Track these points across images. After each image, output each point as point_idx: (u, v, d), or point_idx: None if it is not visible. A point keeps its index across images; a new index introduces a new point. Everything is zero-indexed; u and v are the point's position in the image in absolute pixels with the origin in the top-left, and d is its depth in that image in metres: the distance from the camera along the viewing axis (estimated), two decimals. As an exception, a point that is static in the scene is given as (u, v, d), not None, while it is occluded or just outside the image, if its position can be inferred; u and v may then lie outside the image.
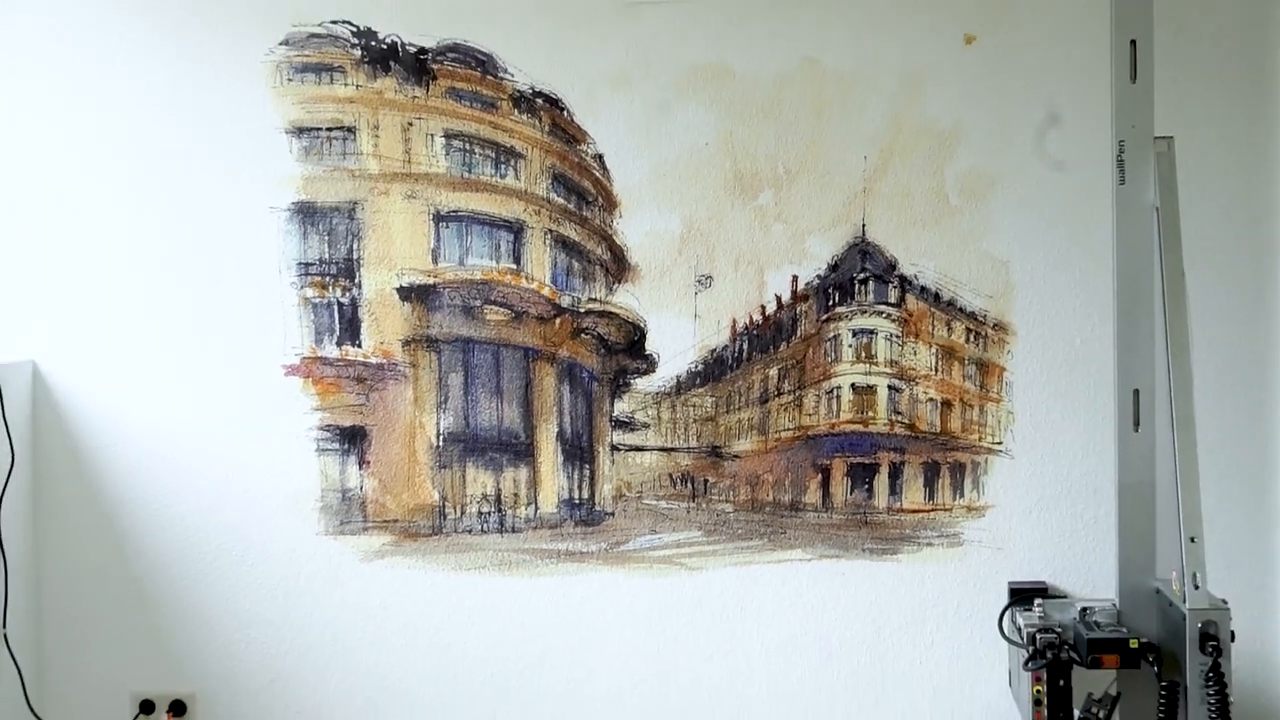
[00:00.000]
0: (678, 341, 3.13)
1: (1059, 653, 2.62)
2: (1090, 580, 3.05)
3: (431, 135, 3.13)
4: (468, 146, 3.14)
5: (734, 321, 3.14)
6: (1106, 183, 2.87)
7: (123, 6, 3.14)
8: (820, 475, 3.12)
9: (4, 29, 3.16)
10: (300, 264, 3.15)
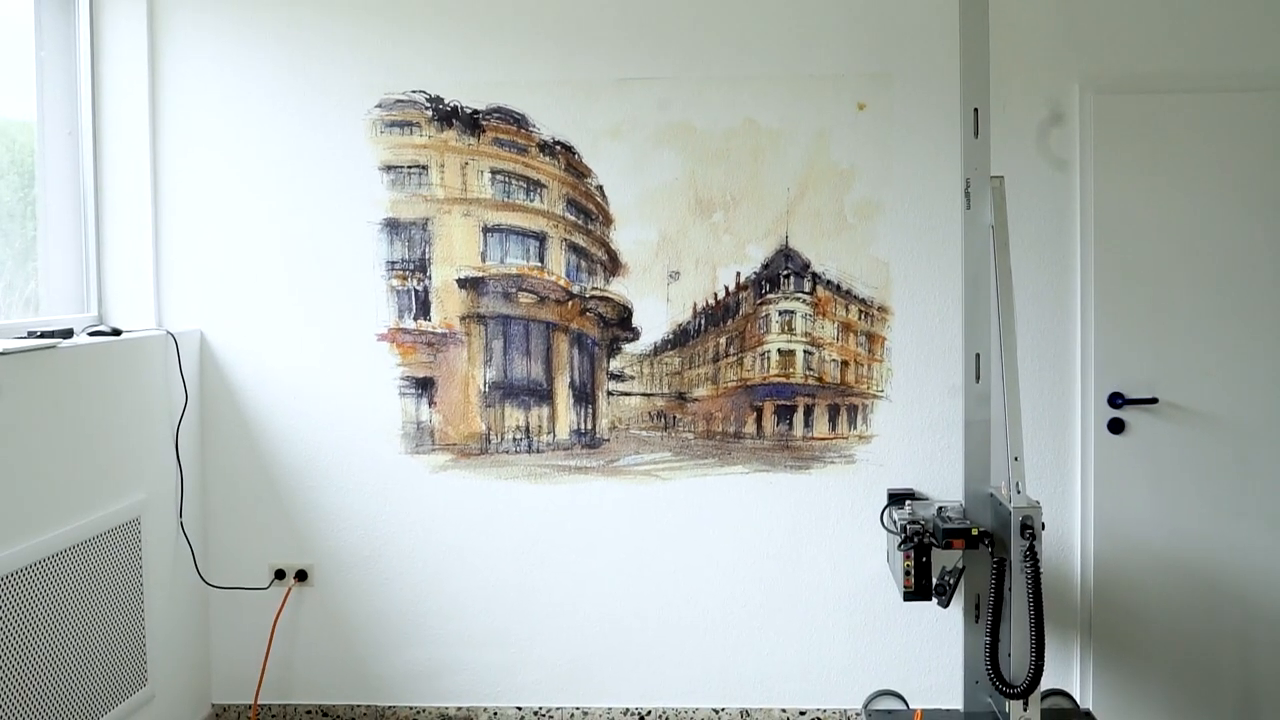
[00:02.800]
0: (655, 318, 3.17)
1: (922, 538, 2.66)
2: (945, 487, 3.11)
3: (481, 171, 3.16)
4: (507, 179, 3.18)
5: (695, 304, 3.18)
6: (958, 208, 2.92)
7: (274, 86, 3.15)
8: (755, 413, 3.17)
9: (201, 92, 3.16)
10: (388, 262, 3.19)
